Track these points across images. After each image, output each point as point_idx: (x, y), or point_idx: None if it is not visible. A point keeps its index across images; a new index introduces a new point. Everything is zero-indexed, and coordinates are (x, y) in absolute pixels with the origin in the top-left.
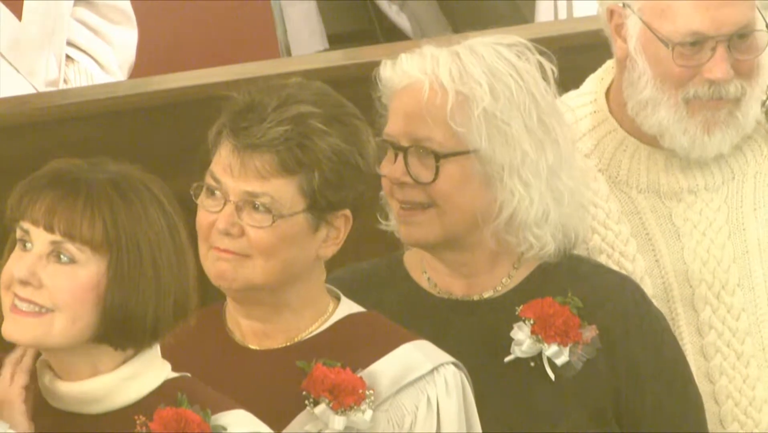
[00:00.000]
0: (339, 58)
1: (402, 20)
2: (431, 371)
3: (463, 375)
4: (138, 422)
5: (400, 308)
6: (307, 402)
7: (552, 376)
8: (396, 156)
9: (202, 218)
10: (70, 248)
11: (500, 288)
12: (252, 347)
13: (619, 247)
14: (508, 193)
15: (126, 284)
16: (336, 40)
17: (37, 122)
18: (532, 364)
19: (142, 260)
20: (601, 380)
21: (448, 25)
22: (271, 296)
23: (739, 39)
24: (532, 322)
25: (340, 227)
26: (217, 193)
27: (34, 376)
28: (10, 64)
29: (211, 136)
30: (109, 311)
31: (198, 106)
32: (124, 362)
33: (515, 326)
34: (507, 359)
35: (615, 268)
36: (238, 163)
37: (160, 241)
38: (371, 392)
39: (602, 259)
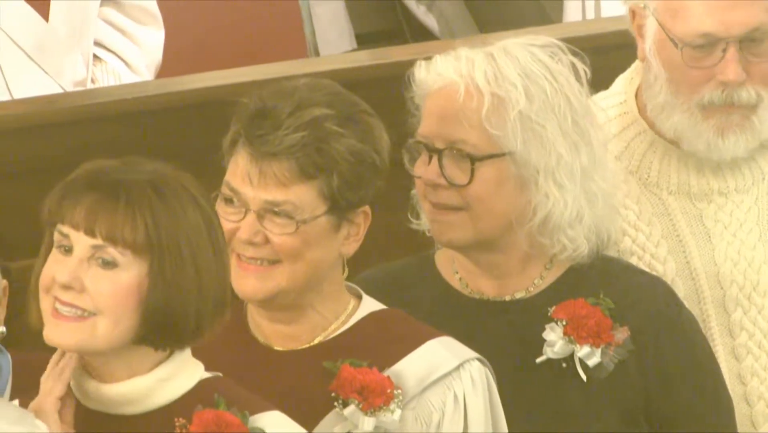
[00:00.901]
0: (366, 58)
1: (430, 20)
2: (457, 368)
3: (488, 371)
4: (177, 424)
5: (431, 308)
6: (336, 403)
7: (584, 377)
8: (430, 158)
9: (224, 226)
10: (112, 251)
11: (532, 289)
12: (276, 348)
13: (649, 249)
14: (542, 195)
15: (168, 285)
16: (364, 39)
17: (65, 122)
18: (564, 365)
19: (183, 260)
20: (632, 381)
21: (474, 25)
22: (297, 298)
23: (752, 42)
24: (564, 323)
25: (360, 223)
26: (236, 201)
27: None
28: (38, 65)
29: (225, 145)
30: (151, 313)
31: (226, 105)
32: (160, 363)
33: (547, 327)
34: (539, 359)
35: (646, 270)
36: (256, 172)
37: (198, 240)
38: (399, 391)
39: (633, 260)
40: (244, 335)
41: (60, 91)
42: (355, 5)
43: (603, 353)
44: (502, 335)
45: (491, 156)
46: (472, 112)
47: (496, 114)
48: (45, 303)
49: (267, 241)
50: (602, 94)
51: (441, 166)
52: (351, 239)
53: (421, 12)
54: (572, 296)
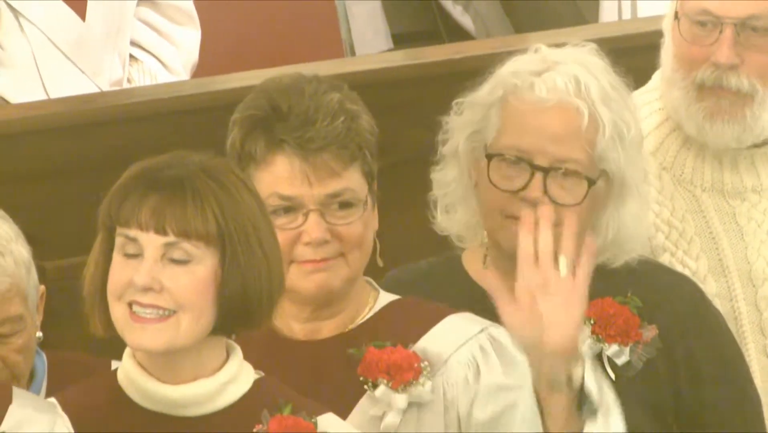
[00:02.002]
0: (403, 58)
1: (466, 20)
2: (479, 332)
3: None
4: (256, 429)
5: (458, 307)
6: (366, 387)
7: (612, 375)
8: (532, 175)
9: (278, 238)
10: (186, 246)
11: None
12: (299, 338)
13: (682, 245)
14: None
15: (242, 271)
16: (400, 39)
17: (102, 122)
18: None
19: (251, 244)
20: (661, 379)
21: (510, 25)
22: (348, 288)
23: (753, 32)
24: (592, 322)
25: (375, 193)
26: (290, 208)
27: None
28: (74, 64)
29: (248, 151)
30: (228, 301)
31: None
32: (222, 364)
33: None
34: None
35: (678, 267)
36: (311, 169)
37: (258, 221)
38: (426, 363)
39: (666, 257)
40: (269, 331)
41: (96, 90)
42: (392, 5)
43: (631, 352)
44: None
45: (600, 176)
46: (580, 131)
47: (596, 133)
48: (119, 310)
49: (334, 236)
50: (640, 90)
51: (545, 184)
52: (374, 212)
53: (457, 12)
54: (600, 295)
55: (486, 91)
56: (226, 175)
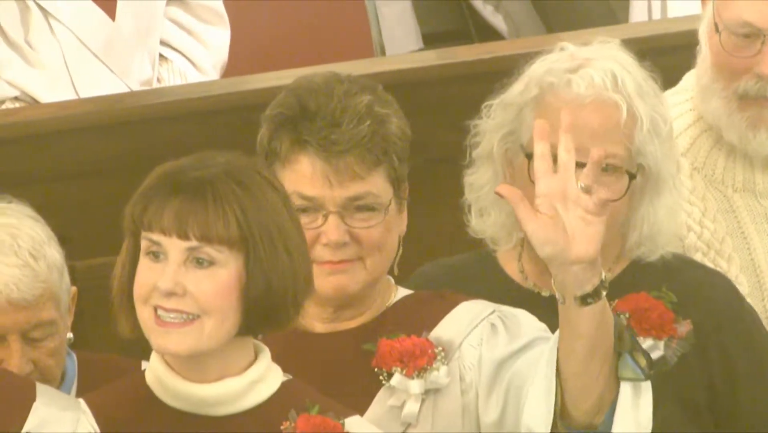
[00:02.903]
0: (433, 57)
1: (497, 20)
2: (491, 312)
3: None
4: (283, 427)
5: (491, 300)
6: (381, 378)
7: None
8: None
9: None
10: (209, 250)
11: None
12: (317, 331)
13: (714, 245)
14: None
15: (266, 273)
16: (430, 39)
17: (132, 121)
18: None
19: (275, 245)
20: (694, 375)
21: (542, 24)
22: (369, 291)
23: None
24: (627, 316)
25: (406, 198)
26: (310, 209)
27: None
28: (104, 63)
29: (273, 149)
30: (253, 303)
31: None
32: (250, 364)
33: None
34: None
35: (710, 266)
36: (333, 172)
37: (283, 222)
38: (440, 349)
39: (697, 257)
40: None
41: (126, 90)
42: (422, 5)
43: (666, 346)
44: None
45: (638, 170)
46: (619, 125)
47: (636, 129)
48: (145, 313)
49: (353, 239)
50: (670, 91)
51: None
52: (403, 214)
53: (487, 12)
54: (634, 289)
55: (518, 92)
56: (250, 176)
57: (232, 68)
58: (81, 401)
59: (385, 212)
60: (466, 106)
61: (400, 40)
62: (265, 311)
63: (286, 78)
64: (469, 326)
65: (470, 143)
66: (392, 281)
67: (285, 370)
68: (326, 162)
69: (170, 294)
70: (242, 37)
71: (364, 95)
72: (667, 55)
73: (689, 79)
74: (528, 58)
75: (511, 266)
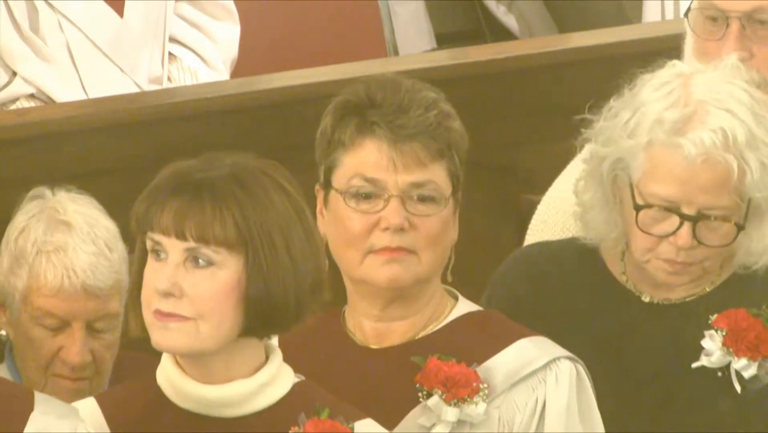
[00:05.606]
0: (446, 57)
1: (509, 20)
2: (545, 366)
3: (581, 368)
4: (292, 431)
5: (589, 298)
6: (420, 394)
7: (738, 388)
8: (681, 224)
9: (356, 223)
10: (206, 251)
11: (698, 291)
12: (372, 346)
13: None
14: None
15: (266, 275)
16: (443, 39)
17: (143, 121)
18: (719, 374)
19: (277, 248)
20: None
21: (554, 25)
22: (419, 290)
23: (760, 24)
24: (724, 333)
25: (460, 203)
26: (372, 192)
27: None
28: (112, 61)
29: (338, 137)
30: (253, 305)
31: (305, 105)
32: (261, 366)
33: (707, 334)
34: (694, 365)
35: None
36: (399, 156)
37: (289, 225)
38: (485, 385)
39: None
40: (340, 334)
41: (135, 87)
42: (435, 5)
43: (760, 366)
44: (658, 336)
45: (746, 216)
46: (729, 182)
47: (746, 177)
48: (147, 315)
49: (411, 226)
50: None
51: (694, 231)
52: (456, 220)
53: (500, 12)
54: (734, 303)
55: (630, 129)
56: (255, 178)
57: (244, 68)
58: (77, 408)
59: (444, 205)
60: (478, 106)
61: (413, 40)
62: (265, 314)
63: (299, 78)
64: (519, 374)
65: (577, 144)
66: (453, 292)
67: (328, 377)
68: (392, 145)
69: (168, 295)
70: (255, 36)
71: (430, 93)
72: (679, 56)
73: None
74: (540, 58)
75: (614, 265)
